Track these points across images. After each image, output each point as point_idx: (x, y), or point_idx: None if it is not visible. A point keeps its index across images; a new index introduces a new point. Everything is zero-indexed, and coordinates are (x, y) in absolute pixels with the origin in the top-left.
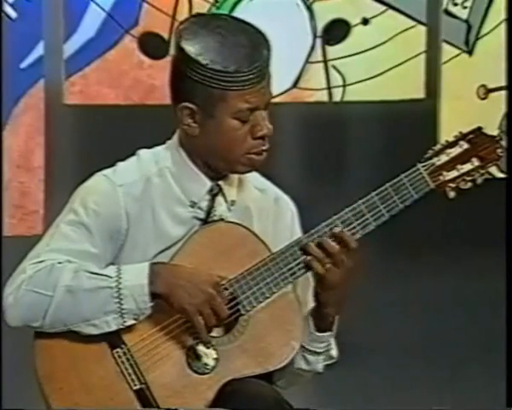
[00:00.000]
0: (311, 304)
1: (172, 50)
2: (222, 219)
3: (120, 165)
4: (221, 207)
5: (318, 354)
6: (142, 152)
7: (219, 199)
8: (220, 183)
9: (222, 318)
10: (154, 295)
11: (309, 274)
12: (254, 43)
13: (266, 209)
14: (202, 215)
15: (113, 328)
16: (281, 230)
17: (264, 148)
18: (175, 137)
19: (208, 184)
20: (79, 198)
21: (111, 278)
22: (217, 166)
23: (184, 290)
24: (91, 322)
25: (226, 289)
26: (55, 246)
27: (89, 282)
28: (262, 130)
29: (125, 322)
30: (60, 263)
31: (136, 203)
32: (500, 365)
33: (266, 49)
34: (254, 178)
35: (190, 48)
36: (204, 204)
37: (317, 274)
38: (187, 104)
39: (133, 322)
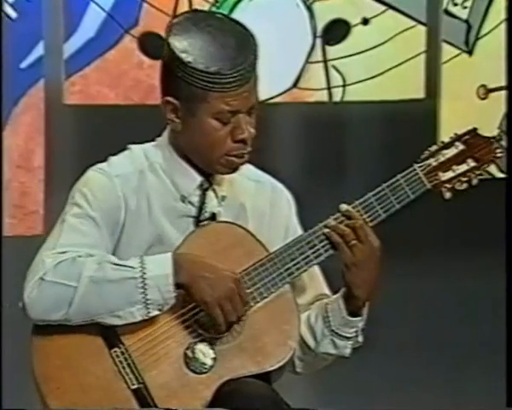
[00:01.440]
0: (312, 290)
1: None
2: (214, 217)
3: (113, 158)
4: (212, 203)
5: (348, 338)
6: (134, 146)
7: (210, 194)
8: (210, 178)
9: (240, 314)
10: (177, 286)
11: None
12: (241, 47)
13: (262, 200)
14: (194, 211)
15: (138, 319)
16: (277, 218)
17: (244, 151)
18: (165, 134)
19: (198, 179)
20: (79, 192)
21: (135, 268)
22: (199, 163)
23: (207, 283)
24: (116, 313)
25: None
26: (66, 240)
27: (113, 273)
28: (243, 133)
29: (149, 313)
30: (80, 256)
31: (134, 195)
32: (500, 365)
33: (253, 54)
34: (249, 170)
35: (177, 44)
36: (195, 199)
37: (341, 251)
38: (170, 99)
39: (157, 313)
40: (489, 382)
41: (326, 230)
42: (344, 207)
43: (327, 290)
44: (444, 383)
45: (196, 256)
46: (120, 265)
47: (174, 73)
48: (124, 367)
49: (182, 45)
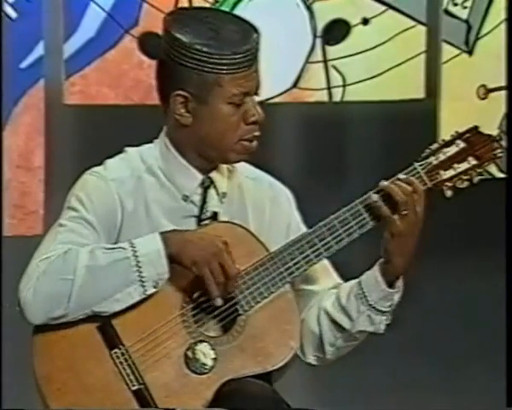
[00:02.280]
0: (330, 278)
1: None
2: (216, 216)
3: (109, 162)
4: (213, 201)
5: (384, 313)
6: (129, 149)
7: (211, 192)
8: (211, 175)
9: (231, 274)
10: (169, 259)
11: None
12: (243, 29)
13: (261, 197)
14: (196, 211)
15: (136, 299)
16: (277, 215)
17: (256, 134)
18: (162, 134)
19: (199, 177)
20: (74, 196)
21: (125, 249)
22: (209, 155)
23: (194, 244)
24: (114, 297)
25: None
26: (62, 240)
27: (106, 257)
28: (254, 115)
29: (146, 291)
30: (71, 249)
31: (130, 198)
32: (500, 365)
33: (256, 33)
34: (245, 168)
35: (183, 35)
36: (196, 198)
37: (389, 221)
38: (180, 92)
39: (153, 290)
40: (489, 382)
41: (374, 197)
42: (402, 176)
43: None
44: (444, 383)
45: (182, 229)
46: (112, 248)
47: (183, 64)
48: (124, 368)
49: (189, 36)
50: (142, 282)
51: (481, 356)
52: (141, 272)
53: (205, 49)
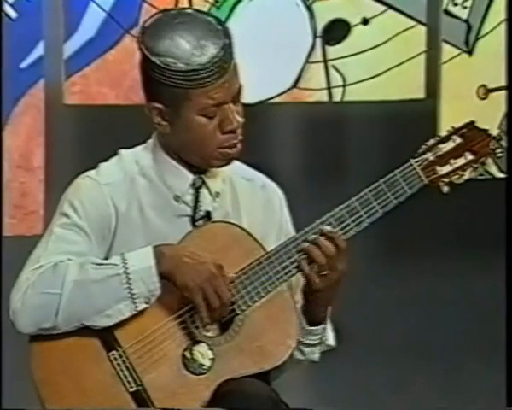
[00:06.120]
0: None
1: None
2: (209, 215)
3: (103, 165)
4: (206, 201)
5: (313, 345)
6: (123, 152)
7: (204, 192)
8: (203, 175)
9: (224, 301)
10: (161, 276)
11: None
12: (215, 38)
13: (254, 198)
14: (189, 211)
15: (127, 315)
16: (270, 216)
17: (235, 141)
18: (153, 136)
19: (190, 177)
20: (67, 202)
21: (117, 265)
22: (193, 161)
23: (188, 267)
24: (105, 313)
25: None
26: (53, 249)
27: (96, 273)
28: (231, 124)
29: (137, 307)
30: (61, 262)
31: (124, 201)
32: (500, 365)
33: (227, 43)
34: (241, 168)
35: (151, 48)
36: (189, 198)
37: (309, 279)
38: (154, 104)
39: (145, 306)
40: (489, 381)
41: (295, 256)
42: (327, 228)
43: None
44: (444, 383)
45: (177, 245)
46: (102, 264)
47: (153, 77)
48: (122, 370)
49: (156, 49)
50: (133, 299)
51: (481, 356)
52: (131, 289)
53: (170, 67)
